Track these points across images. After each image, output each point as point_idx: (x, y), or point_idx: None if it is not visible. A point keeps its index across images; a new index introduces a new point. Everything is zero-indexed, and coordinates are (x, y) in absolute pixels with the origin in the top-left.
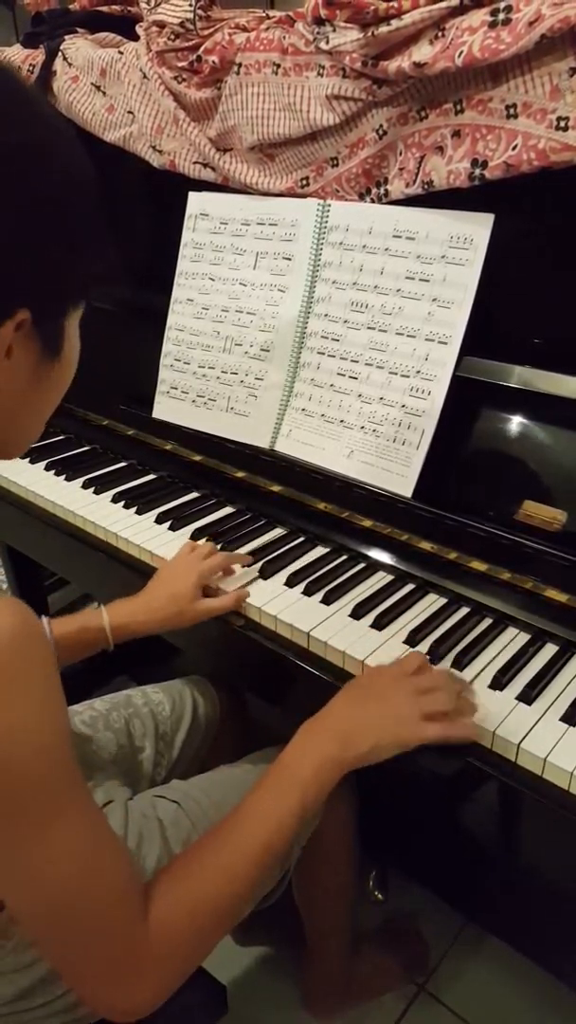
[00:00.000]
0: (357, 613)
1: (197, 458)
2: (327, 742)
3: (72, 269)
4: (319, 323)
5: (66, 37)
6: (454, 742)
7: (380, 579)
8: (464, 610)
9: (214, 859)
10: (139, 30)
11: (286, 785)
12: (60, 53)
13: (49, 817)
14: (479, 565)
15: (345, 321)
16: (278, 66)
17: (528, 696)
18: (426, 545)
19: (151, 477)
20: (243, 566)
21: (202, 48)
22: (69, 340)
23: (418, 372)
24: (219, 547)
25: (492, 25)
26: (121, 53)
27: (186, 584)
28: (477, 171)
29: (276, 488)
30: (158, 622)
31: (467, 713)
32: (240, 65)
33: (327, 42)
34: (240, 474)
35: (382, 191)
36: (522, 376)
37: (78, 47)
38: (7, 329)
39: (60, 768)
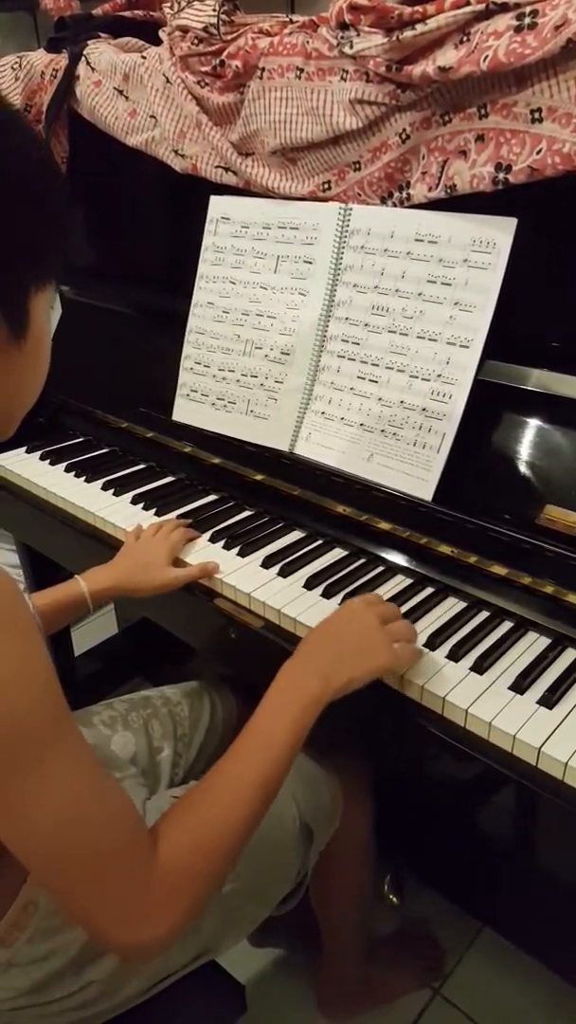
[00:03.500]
0: None
1: (216, 461)
2: (309, 681)
3: (30, 245)
4: (339, 327)
5: (89, 42)
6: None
7: (399, 582)
8: (484, 614)
9: (213, 797)
10: (162, 35)
11: (276, 724)
12: (83, 58)
13: (46, 765)
14: (499, 569)
15: (366, 325)
16: (301, 71)
17: (549, 700)
18: (446, 549)
19: (170, 479)
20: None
21: (225, 53)
22: (36, 324)
23: (439, 376)
24: (238, 549)
25: (518, 29)
26: (144, 58)
27: (156, 554)
28: (501, 175)
29: (295, 491)
30: (131, 588)
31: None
32: (263, 70)
33: (351, 47)
34: (259, 477)
35: (404, 195)
36: (544, 380)
37: (101, 52)
38: None
39: (59, 709)
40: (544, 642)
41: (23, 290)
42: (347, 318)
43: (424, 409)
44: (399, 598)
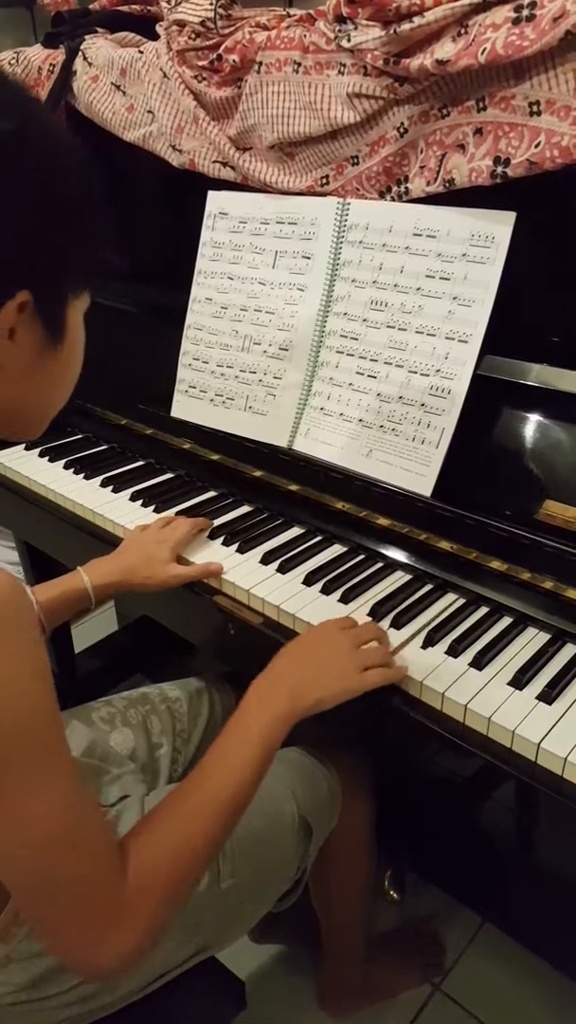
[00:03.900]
0: (375, 612)
1: (215, 457)
2: (278, 699)
3: (70, 253)
4: (338, 322)
5: (86, 37)
6: (389, 683)
7: (398, 578)
8: (483, 610)
9: (182, 814)
10: (159, 29)
11: (244, 742)
12: (80, 53)
13: (34, 775)
14: (499, 565)
15: (364, 320)
16: (299, 64)
17: (548, 696)
18: (445, 544)
19: (169, 476)
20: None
21: (222, 47)
22: (72, 330)
23: (438, 371)
24: (237, 545)
25: (516, 21)
26: (141, 53)
27: (160, 550)
28: (499, 169)
29: (294, 487)
30: (134, 583)
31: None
32: (261, 64)
33: (349, 40)
34: (258, 473)
35: (403, 189)
36: (543, 375)
37: (98, 47)
38: (9, 309)
39: (47, 729)
40: (543, 637)
41: (62, 298)
42: (346, 313)
43: (423, 404)
44: (398, 594)
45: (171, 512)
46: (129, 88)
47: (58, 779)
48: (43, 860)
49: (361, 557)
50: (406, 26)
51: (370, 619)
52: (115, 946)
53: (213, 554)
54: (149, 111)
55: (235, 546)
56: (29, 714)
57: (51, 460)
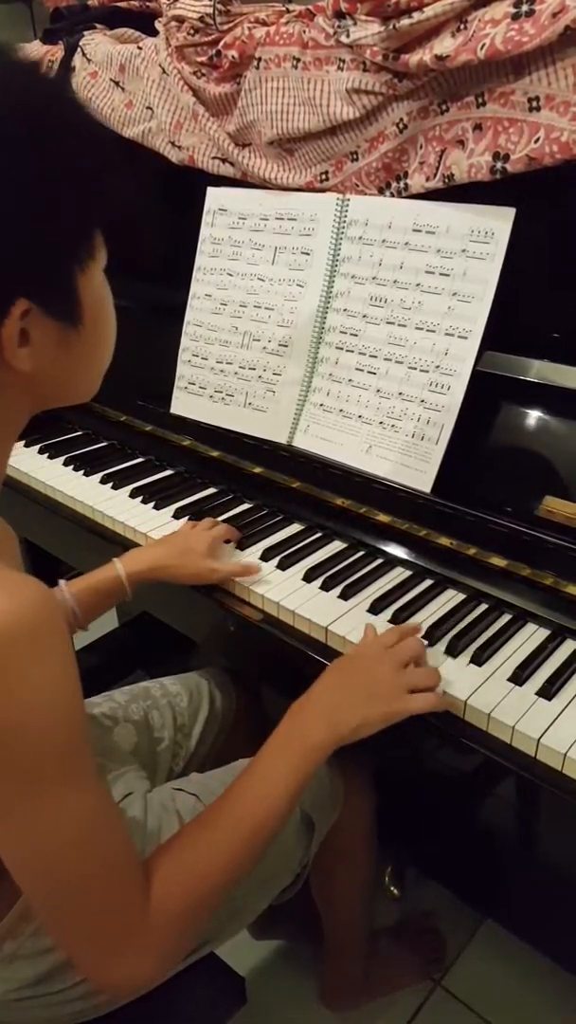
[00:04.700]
0: (375, 608)
1: (214, 454)
2: (315, 727)
3: (63, 242)
4: (338, 318)
5: (85, 33)
6: (439, 711)
7: (398, 575)
8: (483, 606)
9: (209, 839)
10: (158, 25)
11: (278, 769)
12: (79, 49)
13: (61, 785)
14: (498, 561)
15: (364, 316)
16: (298, 60)
17: (548, 692)
18: (445, 541)
19: (169, 473)
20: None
21: (221, 43)
22: (90, 304)
23: (437, 367)
24: (238, 542)
25: (515, 17)
26: (140, 49)
27: (197, 542)
28: (499, 164)
29: (294, 484)
30: (169, 572)
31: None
32: (260, 60)
33: (348, 36)
34: (258, 470)
35: (402, 185)
36: (543, 371)
37: (97, 43)
38: (12, 319)
39: (76, 737)
40: (543, 633)
41: (67, 284)
42: (345, 309)
43: (423, 401)
44: (398, 590)
45: (171, 509)
46: (128, 84)
47: (87, 789)
48: (68, 867)
49: (361, 553)
50: (405, 22)
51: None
52: (130, 967)
53: None
54: (148, 107)
55: (235, 543)
56: (65, 723)
57: (51, 457)
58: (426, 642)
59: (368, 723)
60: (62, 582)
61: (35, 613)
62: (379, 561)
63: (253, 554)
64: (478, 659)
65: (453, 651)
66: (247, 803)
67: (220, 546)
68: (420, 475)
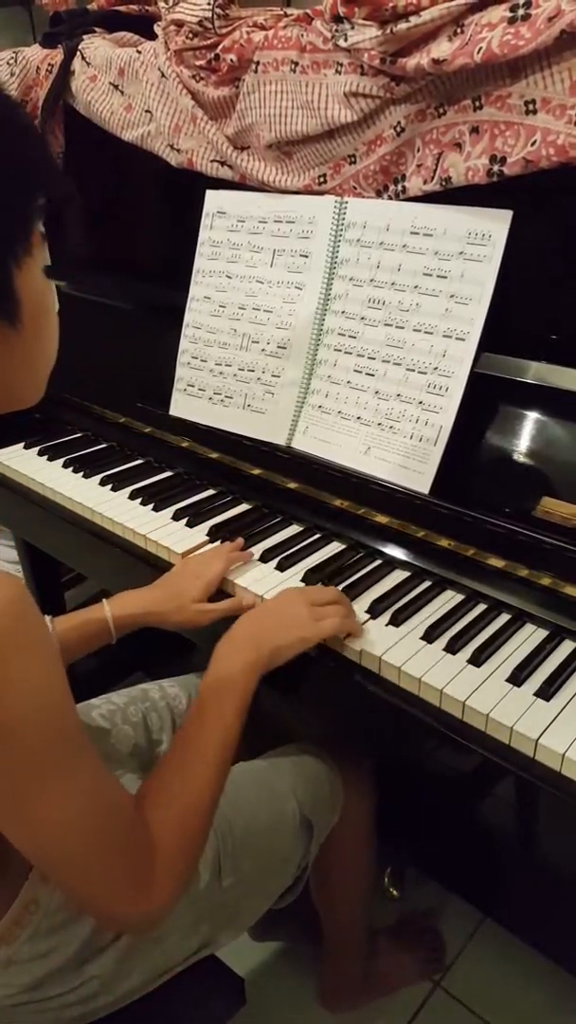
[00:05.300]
0: (374, 610)
1: (213, 455)
2: (246, 649)
3: None
4: (336, 320)
5: (84, 37)
6: (343, 633)
7: (397, 576)
8: (481, 607)
9: (182, 770)
10: (157, 29)
11: (223, 692)
12: (79, 53)
13: (59, 772)
14: (497, 562)
15: (362, 318)
16: (296, 64)
17: (546, 692)
18: (443, 542)
19: (168, 474)
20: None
21: (220, 47)
22: (29, 301)
23: (435, 369)
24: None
25: (511, 21)
26: (139, 52)
27: (193, 585)
28: (496, 167)
29: (292, 485)
30: (157, 618)
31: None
32: (258, 63)
33: (346, 39)
34: (256, 471)
35: (400, 188)
36: (540, 372)
37: (96, 46)
38: None
39: (72, 719)
40: (541, 634)
41: (3, 273)
42: (343, 311)
43: (421, 402)
44: (397, 591)
45: (170, 510)
46: (127, 88)
47: (88, 763)
48: (85, 837)
49: (360, 554)
50: (402, 25)
51: (368, 616)
52: (155, 898)
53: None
54: (147, 110)
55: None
56: (59, 708)
57: (50, 459)
58: (423, 641)
59: (288, 644)
60: (48, 618)
61: (13, 609)
62: (378, 562)
63: (252, 555)
64: (476, 660)
65: (452, 651)
66: (206, 732)
67: (217, 583)
68: (418, 476)
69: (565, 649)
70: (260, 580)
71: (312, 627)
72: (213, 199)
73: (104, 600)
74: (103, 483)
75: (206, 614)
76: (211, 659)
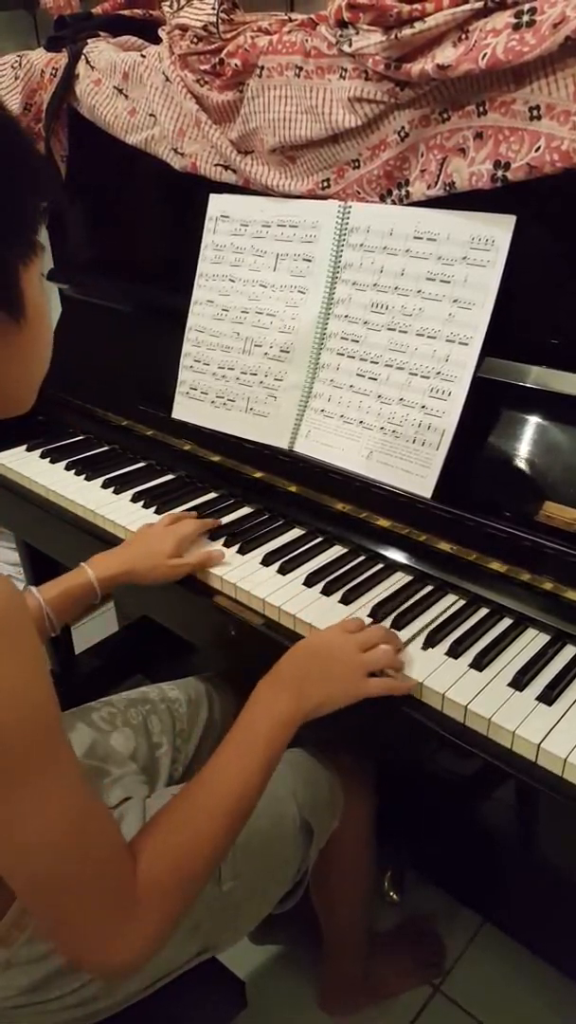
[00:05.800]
0: (376, 613)
1: (216, 458)
2: (283, 700)
3: (6, 222)
4: (339, 324)
5: (88, 41)
6: (396, 695)
7: (399, 579)
8: (483, 611)
9: (190, 814)
10: (161, 33)
11: (250, 743)
12: (83, 57)
13: (45, 773)
14: (499, 566)
15: (365, 322)
16: (300, 69)
17: (548, 697)
18: (445, 546)
19: (170, 477)
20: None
21: (224, 51)
22: (31, 301)
23: (438, 373)
24: (238, 546)
25: (516, 27)
26: (143, 56)
27: (162, 543)
28: (500, 173)
29: (294, 488)
30: (136, 576)
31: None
32: (262, 68)
33: (350, 45)
34: (258, 474)
35: (403, 192)
36: (543, 377)
37: (100, 50)
38: None
39: (51, 728)
40: (543, 639)
41: (11, 271)
42: (346, 316)
43: (423, 406)
44: (399, 595)
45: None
46: (131, 92)
47: (68, 776)
48: (57, 856)
49: (362, 558)
50: (407, 31)
51: (371, 620)
52: (127, 942)
53: None
54: (151, 114)
55: (236, 547)
56: (36, 716)
57: (52, 461)
58: (426, 646)
59: (331, 700)
60: (33, 589)
61: (1, 608)
62: (380, 566)
63: (254, 559)
64: (479, 664)
65: (454, 656)
66: (225, 778)
67: (196, 541)
68: (421, 480)
69: (567, 654)
70: (262, 584)
71: (359, 685)
72: (216, 203)
73: (83, 564)
74: (105, 486)
75: (180, 567)
76: (250, 696)
